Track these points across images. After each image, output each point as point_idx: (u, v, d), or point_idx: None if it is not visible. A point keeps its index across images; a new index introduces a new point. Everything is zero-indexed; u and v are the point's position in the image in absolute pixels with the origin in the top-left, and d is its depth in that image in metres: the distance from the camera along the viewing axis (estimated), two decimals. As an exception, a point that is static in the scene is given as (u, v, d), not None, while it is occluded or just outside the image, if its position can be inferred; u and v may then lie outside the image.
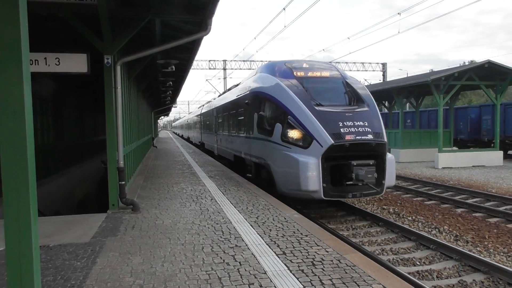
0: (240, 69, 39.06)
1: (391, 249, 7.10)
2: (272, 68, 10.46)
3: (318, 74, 9.91)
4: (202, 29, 7.85)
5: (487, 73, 18.77)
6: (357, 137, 7.97)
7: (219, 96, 22.01)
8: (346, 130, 8.02)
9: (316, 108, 8.51)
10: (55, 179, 13.30)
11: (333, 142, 7.83)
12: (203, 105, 29.02)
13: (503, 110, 22.53)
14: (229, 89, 17.05)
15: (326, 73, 9.99)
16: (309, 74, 9.84)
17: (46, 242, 5.49)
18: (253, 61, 38.72)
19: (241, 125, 12.71)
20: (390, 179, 8.40)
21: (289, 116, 8.63)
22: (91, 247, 5.26)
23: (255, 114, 10.60)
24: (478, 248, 7.33)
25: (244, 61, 38.82)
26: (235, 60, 39.08)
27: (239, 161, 13.50)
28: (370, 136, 8.08)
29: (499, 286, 5.63)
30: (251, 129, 11.01)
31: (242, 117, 12.44)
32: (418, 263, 6.50)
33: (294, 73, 9.78)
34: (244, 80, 13.76)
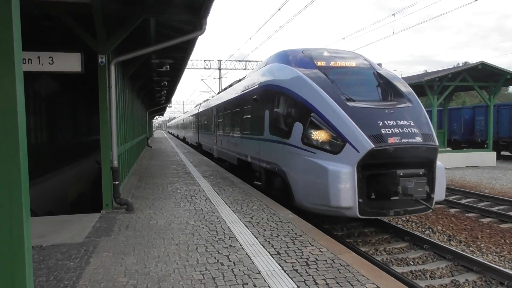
0: (235, 69, 38.96)
1: (385, 249, 7.13)
2: (287, 57, 9.01)
3: (343, 63, 8.47)
4: (197, 29, 7.84)
5: (480, 74, 18.93)
6: (403, 140, 6.54)
7: (218, 93, 20.19)
8: (388, 131, 6.61)
9: (348, 103, 7.09)
10: (48, 179, 13.20)
11: (373, 146, 6.37)
12: (200, 104, 27.81)
13: (496, 111, 22.73)
14: (231, 85, 15.69)
15: (352, 63, 8.57)
16: (332, 63, 8.39)
17: (39, 242, 5.45)
18: (248, 61, 38.68)
19: (247, 125, 11.27)
20: (440, 192, 7.01)
21: (312, 114, 7.18)
22: (85, 247, 5.24)
23: (266, 111, 9.18)
24: (471, 248, 7.39)
25: (239, 61, 38.77)
26: (230, 60, 39.04)
27: (244, 165, 12.04)
28: (418, 139, 6.67)
29: (492, 285, 5.68)
30: (261, 129, 9.54)
31: (249, 116, 10.98)
32: (411, 263, 6.53)
33: (315, 62, 8.34)
34: (250, 73, 12.05)
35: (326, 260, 4.64)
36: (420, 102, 7.75)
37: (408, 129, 6.74)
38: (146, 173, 13.22)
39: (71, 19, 7.12)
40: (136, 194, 9.18)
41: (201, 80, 40.77)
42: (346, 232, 8.21)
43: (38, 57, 6.84)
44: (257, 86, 10.07)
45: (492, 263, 6.43)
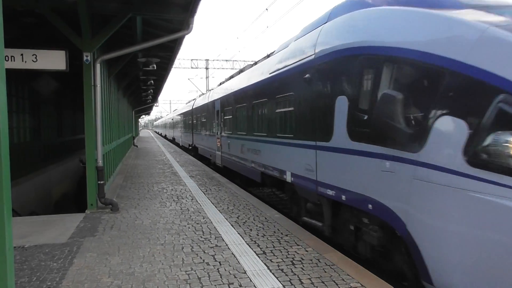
0: (223, 68, 38.96)
1: (370, 248, 7.19)
2: None
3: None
4: (184, 28, 7.81)
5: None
6: None
7: (220, 84, 16.12)
8: None
9: None
10: (31, 178, 12.98)
11: None
12: (195, 99, 23.65)
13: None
14: (242, 70, 12.22)
15: None
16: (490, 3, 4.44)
17: (21, 243, 5.36)
18: (235, 60, 38.72)
19: (285, 123, 7.47)
20: None
21: (504, 96, 3.14)
22: (68, 248, 5.17)
23: (337, 99, 5.34)
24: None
25: (226, 60, 38.75)
26: (217, 60, 38.99)
27: (273, 184, 8.55)
28: None
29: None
30: (321, 129, 5.84)
31: (290, 108, 7.07)
32: (395, 262, 6.61)
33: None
34: (289, 41, 7.99)
35: (311, 260, 4.68)
36: None
37: None
38: (132, 172, 13.10)
39: (55, 16, 7.02)
40: (122, 193, 9.09)
41: (188, 79, 40.50)
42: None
43: (21, 55, 6.72)
44: (312, 57, 6.20)
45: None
